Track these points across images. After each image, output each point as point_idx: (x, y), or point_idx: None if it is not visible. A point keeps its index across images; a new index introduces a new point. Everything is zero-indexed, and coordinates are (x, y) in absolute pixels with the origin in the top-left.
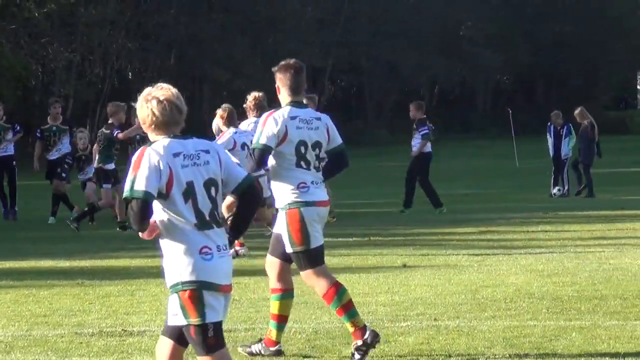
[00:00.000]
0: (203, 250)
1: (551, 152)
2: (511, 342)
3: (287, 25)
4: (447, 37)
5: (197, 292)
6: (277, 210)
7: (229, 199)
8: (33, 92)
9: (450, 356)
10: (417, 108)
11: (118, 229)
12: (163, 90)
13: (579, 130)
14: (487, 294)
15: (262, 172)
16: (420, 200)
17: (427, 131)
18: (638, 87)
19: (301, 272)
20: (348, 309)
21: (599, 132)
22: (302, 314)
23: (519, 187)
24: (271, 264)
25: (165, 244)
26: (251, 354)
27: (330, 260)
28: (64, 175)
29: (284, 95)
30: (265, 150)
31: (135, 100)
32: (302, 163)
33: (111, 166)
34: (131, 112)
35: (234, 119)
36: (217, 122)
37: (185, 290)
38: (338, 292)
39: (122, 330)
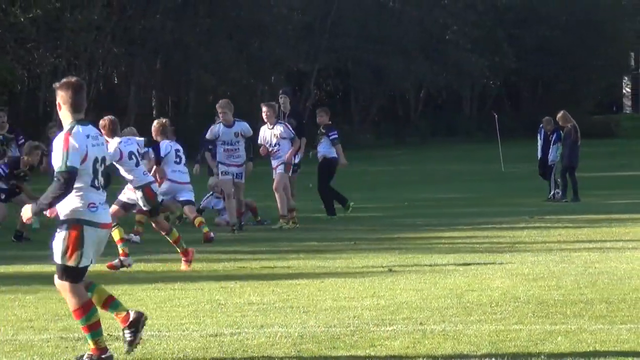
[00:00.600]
0: None
1: (539, 155)
2: (497, 346)
3: (273, 30)
4: (433, 42)
5: None
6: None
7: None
8: (19, 97)
9: None
10: (326, 113)
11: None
12: None
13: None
14: (473, 298)
15: (152, 179)
16: (405, 205)
17: (336, 135)
18: (624, 91)
19: (58, 281)
20: (94, 329)
21: (582, 136)
22: (288, 318)
23: (504, 191)
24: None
25: None
26: (132, 343)
27: (316, 264)
28: None
29: (65, 113)
30: (73, 172)
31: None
32: (95, 182)
33: None
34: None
35: (116, 129)
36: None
37: None
38: (89, 312)
39: (108, 334)
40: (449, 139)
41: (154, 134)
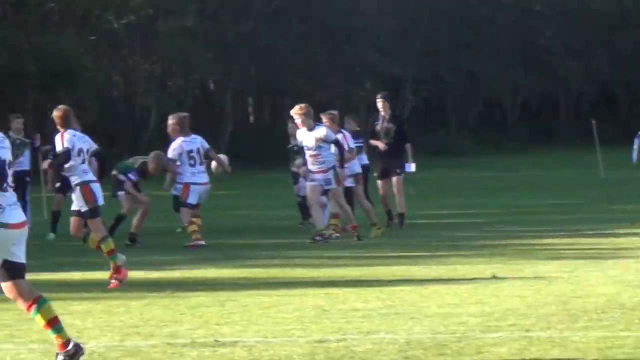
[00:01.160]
0: None
1: (633, 159)
2: (605, 353)
3: (365, 35)
4: (526, 47)
5: None
6: None
7: None
8: (115, 103)
9: None
10: (354, 120)
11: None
12: None
13: None
14: (578, 305)
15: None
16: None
17: (361, 144)
18: None
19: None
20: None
21: None
22: (393, 325)
23: (604, 198)
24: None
25: None
26: None
27: (417, 271)
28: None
29: None
30: None
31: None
32: (3, 184)
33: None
34: None
35: (70, 121)
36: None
37: None
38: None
39: (215, 340)
40: (546, 145)
41: (169, 131)
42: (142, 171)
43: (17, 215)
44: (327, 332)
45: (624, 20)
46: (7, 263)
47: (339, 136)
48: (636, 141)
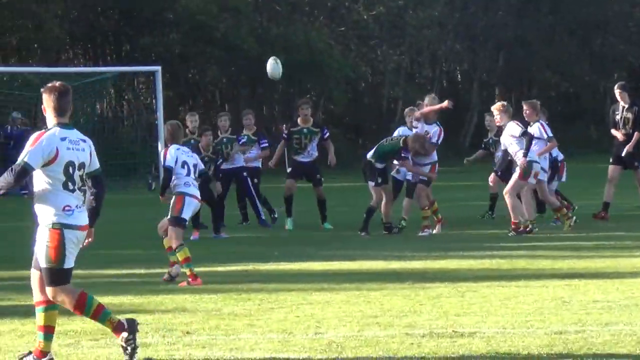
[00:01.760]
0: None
1: None
2: None
3: (615, 26)
4: None
5: None
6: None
7: None
8: (362, 94)
9: None
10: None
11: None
12: None
13: None
14: None
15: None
16: None
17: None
18: None
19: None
20: (99, 313)
21: None
22: (632, 317)
23: None
24: (33, 276)
25: None
26: None
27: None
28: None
29: (49, 117)
30: (27, 169)
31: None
32: (70, 184)
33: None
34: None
35: (176, 136)
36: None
37: None
38: (87, 301)
39: (453, 331)
40: None
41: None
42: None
43: (83, 217)
44: (566, 324)
45: None
46: None
47: (536, 125)
48: None
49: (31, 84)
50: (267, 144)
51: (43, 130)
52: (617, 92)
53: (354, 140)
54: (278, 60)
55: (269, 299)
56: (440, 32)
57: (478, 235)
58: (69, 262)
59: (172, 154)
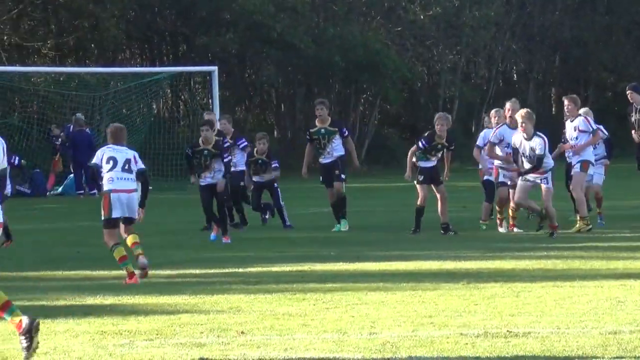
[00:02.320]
0: None
1: None
2: None
3: None
4: None
5: None
6: None
7: None
8: (418, 93)
9: None
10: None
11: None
12: None
13: None
14: None
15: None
16: None
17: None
18: None
19: None
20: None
21: None
22: None
23: None
24: None
25: None
26: (30, 348)
27: None
28: (342, 176)
29: None
30: None
31: None
32: None
33: None
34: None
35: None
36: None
37: None
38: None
39: (507, 331)
40: None
41: None
42: None
43: None
44: (620, 324)
45: None
46: None
47: (580, 119)
48: None
49: (88, 84)
50: (245, 143)
51: None
52: (628, 93)
53: (410, 140)
54: None
55: (323, 299)
56: (496, 32)
57: (532, 237)
58: None
59: (98, 154)
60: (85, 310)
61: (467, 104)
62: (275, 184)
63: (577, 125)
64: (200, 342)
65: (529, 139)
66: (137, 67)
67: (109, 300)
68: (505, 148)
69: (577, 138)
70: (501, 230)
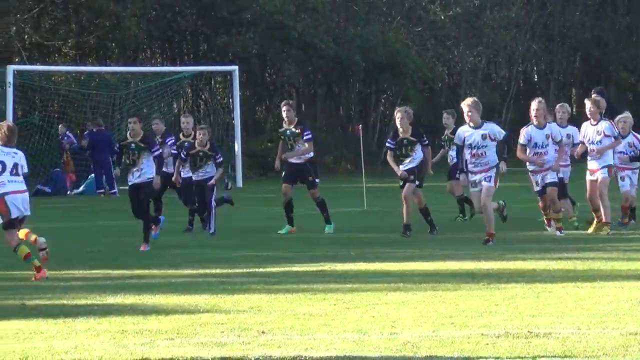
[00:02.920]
0: None
1: None
2: None
3: None
4: None
5: None
6: None
7: None
8: (439, 94)
9: None
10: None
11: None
12: None
13: None
14: None
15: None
16: None
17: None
18: None
19: None
20: None
21: None
22: None
23: None
24: None
25: None
26: None
27: None
28: (316, 180)
29: None
30: None
31: None
32: None
33: None
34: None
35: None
36: None
37: None
38: None
39: (528, 332)
40: None
41: None
42: None
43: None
44: None
45: None
46: None
47: (605, 123)
48: None
49: (109, 84)
50: (172, 140)
51: None
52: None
53: (430, 140)
54: None
55: (344, 299)
56: (517, 33)
57: (550, 238)
58: None
59: None
60: (106, 309)
61: (487, 104)
62: (212, 182)
63: (602, 130)
64: (221, 342)
65: (476, 127)
66: (157, 66)
67: (129, 299)
68: (534, 148)
69: (600, 142)
70: (552, 230)
